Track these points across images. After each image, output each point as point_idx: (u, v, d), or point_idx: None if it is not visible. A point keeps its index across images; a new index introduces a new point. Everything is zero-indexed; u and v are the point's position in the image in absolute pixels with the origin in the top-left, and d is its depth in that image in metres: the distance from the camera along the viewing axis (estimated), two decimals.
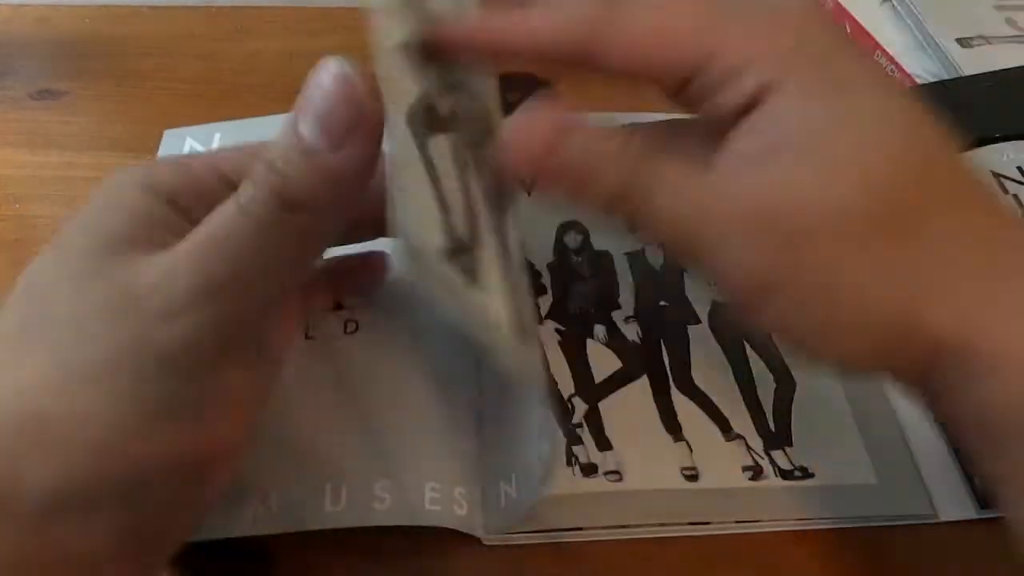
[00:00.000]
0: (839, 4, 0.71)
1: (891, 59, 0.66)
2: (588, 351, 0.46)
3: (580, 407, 0.43)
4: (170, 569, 0.37)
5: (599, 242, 0.50)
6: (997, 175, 0.54)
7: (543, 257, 0.50)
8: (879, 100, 0.30)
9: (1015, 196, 0.53)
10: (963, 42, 0.65)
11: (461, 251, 0.31)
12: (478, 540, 0.39)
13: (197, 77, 0.63)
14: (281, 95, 0.60)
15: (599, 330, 0.46)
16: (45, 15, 0.66)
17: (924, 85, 0.63)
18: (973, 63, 0.63)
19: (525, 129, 0.31)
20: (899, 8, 0.69)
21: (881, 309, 0.29)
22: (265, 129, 0.50)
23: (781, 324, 0.31)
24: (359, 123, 0.29)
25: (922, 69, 0.65)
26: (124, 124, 0.58)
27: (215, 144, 0.56)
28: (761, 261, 0.29)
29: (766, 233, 0.29)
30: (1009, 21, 0.68)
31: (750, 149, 0.30)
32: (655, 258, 0.50)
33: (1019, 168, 0.55)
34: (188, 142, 0.56)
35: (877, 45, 0.67)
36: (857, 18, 0.69)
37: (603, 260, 0.50)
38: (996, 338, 0.28)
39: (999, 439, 0.29)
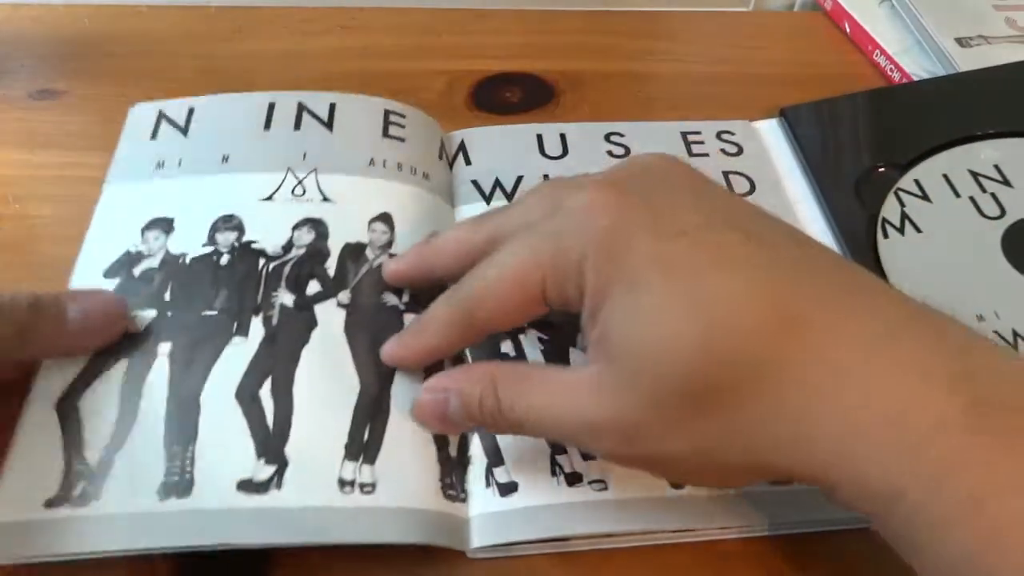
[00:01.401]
0: (838, 4, 0.70)
1: (890, 59, 0.66)
2: (571, 358, 0.46)
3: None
4: (169, 570, 0.38)
5: None
6: (975, 174, 0.55)
7: None
8: (669, 290, 0.33)
9: (993, 195, 0.53)
10: (962, 42, 0.65)
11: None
12: (462, 553, 0.39)
13: (196, 77, 0.63)
14: None
15: (581, 339, 0.46)
16: (44, 14, 0.67)
17: (914, 82, 0.64)
18: (972, 63, 0.63)
19: (420, 409, 0.41)
20: (898, 7, 0.69)
21: (708, 470, 0.35)
22: (242, 105, 0.54)
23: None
24: None
25: (921, 68, 0.65)
26: (123, 123, 0.58)
27: (188, 119, 0.55)
28: (603, 451, 0.37)
29: (595, 434, 0.35)
30: (1008, 21, 0.67)
31: (582, 360, 0.38)
32: None
33: (996, 167, 0.55)
34: (159, 115, 0.55)
35: (876, 45, 0.67)
36: (856, 18, 0.69)
37: None
38: (823, 468, 0.31)
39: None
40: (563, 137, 0.58)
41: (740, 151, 0.58)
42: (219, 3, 0.69)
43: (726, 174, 0.56)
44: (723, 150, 0.58)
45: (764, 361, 0.31)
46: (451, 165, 0.56)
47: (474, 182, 0.54)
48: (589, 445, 0.37)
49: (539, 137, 0.58)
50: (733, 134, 0.59)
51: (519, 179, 0.55)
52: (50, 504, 0.38)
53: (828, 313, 0.32)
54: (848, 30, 0.70)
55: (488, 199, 0.53)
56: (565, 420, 0.35)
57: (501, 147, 0.57)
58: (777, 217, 0.37)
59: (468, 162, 0.56)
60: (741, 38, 0.71)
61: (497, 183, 0.54)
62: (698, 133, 0.59)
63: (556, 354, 0.46)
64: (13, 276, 0.49)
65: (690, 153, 0.58)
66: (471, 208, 0.53)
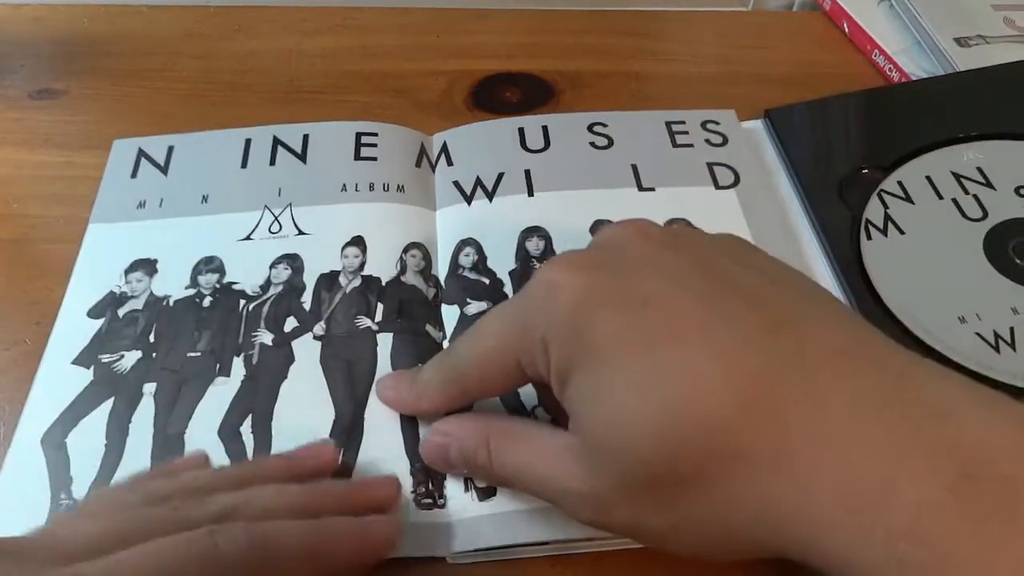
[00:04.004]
0: (837, 4, 0.70)
1: (889, 59, 0.66)
2: None
3: (543, 419, 0.43)
4: None
5: (562, 247, 0.50)
6: (957, 176, 0.54)
7: (505, 264, 0.50)
8: (627, 369, 0.31)
9: (975, 197, 0.53)
10: (961, 41, 0.65)
11: None
12: (442, 559, 0.40)
13: (195, 77, 0.64)
14: (279, 95, 0.61)
15: None
16: (44, 14, 0.68)
17: (902, 84, 0.64)
18: (971, 62, 0.63)
19: (425, 451, 0.41)
20: (897, 7, 0.68)
21: (694, 545, 0.33)
22: (220, 143, 0.56)
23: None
24: None
25: (920, 68, 0.65)
26: (122, 124, 0.59)
27: (167, 157, 0.56)
28: (583, 520, 0.35)
29: (572, 502, 0.35)
30: (1007, 20, 0.67)
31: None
32: None
33: (979, 169, 0.55)
34: (139, 153, 0.57)
35: (875, 45, 0.67)
36: (855, 17, 0.69)
37: None
38: (802, 552, 0.29)
39: None
40: (545, 129, 0.58)
41: (725, 141, 0.58)
42: (219, 3, 0.70)
43: (711, 165, 0.56)
44: (708, 140, 0.58)
45: (724, 450, 0.29)
46: (434, 169, 0.56)
47: (455, 183, 0.54)
48: (570, 511, 0.35)
49: (520, 131, 0.58)
50: (718, 123, 0.59)
51: (500, 175, 0.55)
52: None
53: (795, 395, 0.29)
54: (847, 30, 0.70)
55: (469, 199, 0.53)
56: (548, 484, 0.35)
57: (482, 145, 0.57)
58: (767, 257, 0.36)
59: (450, 163, 0.56)
60: (740, 38, 0.70)
61: (478, 182, 0.54)
62: (682, 123, 0.59)
63: None
64: (13, 276, 0.50)
65: (674, 144, 0.57)
66: (451, 210, 0.53)
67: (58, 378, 0.45)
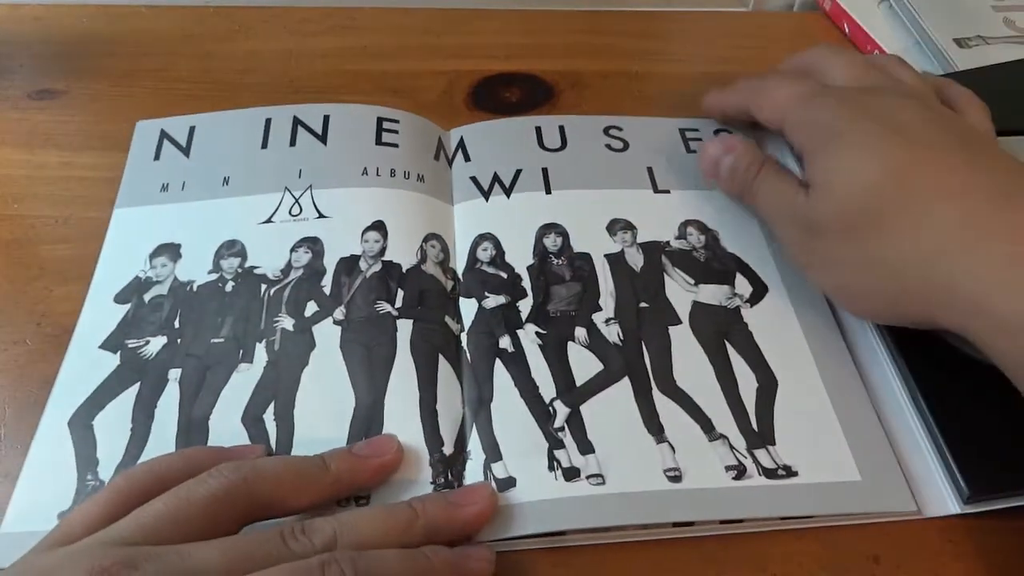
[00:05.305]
0: (838, 5, 0.70)
1: None
2: (569, 353, 0.46)
3: (562, 410, 0.43)
4: None
5: (579, 244, 0.51)
6: None
7: (523, 259, 0.50)
8: (859, 139, 0.44)
9: None
10: (961, 42, 0.65)
11: None
12: None
13: (195, 77, 0.63)
14: (279, 94, 0.61)
15: (580, 332, 0.47)
16: (43, 14, 0.67)
17: None
18: (971, 63, 0.63)
19: (705, 151, 0.53)
20: (896, 8, 0.69)
21: (862, 283, 0.44)
22: (240, 122, 0.56)
23: (818, 286, 0.49)
24: None
25: (920, 69, 0.65)
26: (122, 123, 0.58)
27: (189, 138, 0.57)
28: (792, 247, 0.48)
29: (795, 230, 0.47)
30: (1007, 21, 0.67)
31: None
32: (635, 260, 0.50)
33: None
34: (162, 134, 0.57)
35: (875, 45, 0.67)
36: (855, 18, 0.69)
37: (583, 262, 0.50)
38: (957, 302, 0.39)
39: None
40: (562, 129, 0.58)
41: None
42: (219, 3, 0.69)
43: None
44: None
45: (898, 195, 0.41)
46: (451, 163, 0.56)
47: (472, 178, 0.55)
48: (787, 233, 0.48)
49: (538, 130, 0.58)
50: (731, 132, 0.59)
51: (518, 172, 0.55)
52: (63, 516, 0.39)
53: (956, 165, 0.41)
54: (847, 31, 0.70)
55: (487, 195, 0.54)
56: (786, 208, 0.47)
57: (499, 142, 0.57)
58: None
59: (467, 159, 0.56)
60: (741, 38, 0.71)
61: (496, 178, 0.54)
62: (696, 130, 0.60)
63: (553, 349, 0.46)
64: (13, 276, 0.50)
65: (688, 150, 0.58)
66: (469, 205, 0.53)
67: (86, 362, 0.45)
